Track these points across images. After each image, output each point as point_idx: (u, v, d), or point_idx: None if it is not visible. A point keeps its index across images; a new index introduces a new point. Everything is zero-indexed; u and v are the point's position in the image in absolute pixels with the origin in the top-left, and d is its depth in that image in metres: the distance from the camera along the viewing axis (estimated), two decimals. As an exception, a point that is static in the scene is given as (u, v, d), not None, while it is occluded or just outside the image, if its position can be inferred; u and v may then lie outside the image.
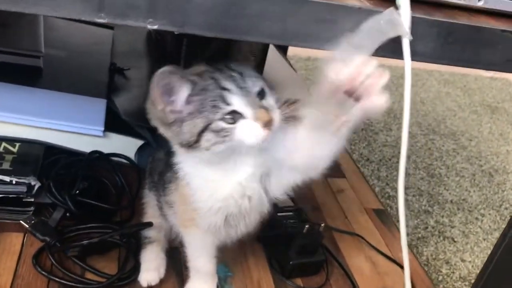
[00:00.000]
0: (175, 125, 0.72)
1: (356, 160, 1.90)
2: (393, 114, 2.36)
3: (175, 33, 0.53)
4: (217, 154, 0.73)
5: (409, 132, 2.29)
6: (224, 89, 0.70)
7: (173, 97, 0.71)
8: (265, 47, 1.39)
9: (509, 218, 1.01)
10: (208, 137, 0.71)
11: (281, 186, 0.82)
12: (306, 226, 0.99)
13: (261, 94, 0.73)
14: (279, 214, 1.06)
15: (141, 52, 1.47)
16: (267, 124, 0.70)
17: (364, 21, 0.55)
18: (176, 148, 0.79)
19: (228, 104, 0.70)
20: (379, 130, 2.19)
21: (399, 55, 0.57)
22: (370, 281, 1.07)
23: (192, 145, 0.72)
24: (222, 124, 0.70)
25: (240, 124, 0.70)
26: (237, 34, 0.54)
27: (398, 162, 2.13)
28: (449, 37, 0.58)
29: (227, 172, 0.78)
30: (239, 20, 0.53)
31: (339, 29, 0.56)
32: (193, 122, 0.71)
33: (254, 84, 0.72)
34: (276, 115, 0.72)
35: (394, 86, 2.88)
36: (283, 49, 2.09)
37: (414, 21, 0.57)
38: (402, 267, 1.12)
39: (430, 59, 0.59)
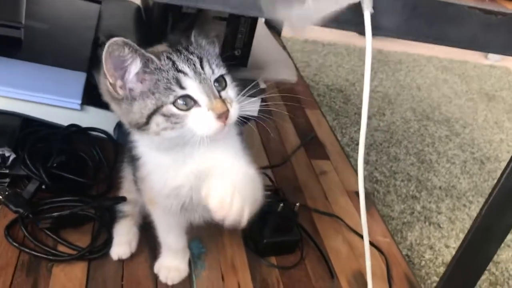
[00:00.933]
0: (125, 103, 0.70)
1: (346, 144, 1.89)
2: (387, 99, 2.34)
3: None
4: (167, 140, 0.71)
5: (403, 118, 2.27)
6: (180, 71, 0.68)
7: (123, 72, 0.68)
8: (253, 24, 1.37)
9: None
10: (157, 120, 0.68)
11: None
12: (281, 204, 0.98)
13: (220, 84, 0.71)
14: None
15: (128, 27, 1.45)
16: (222, 116, 0.68)
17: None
18: (126, 126, 0.76)
19: (182, 87, 0.68)
20: (372, 114, 2.18)
21: (360, 28, 0.56)
22: (346, 263, 1.06)
23: (141, 126, 0.70)
24: (173, 110, 0.67)
25: (193, 112, 0.68)
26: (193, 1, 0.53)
27: (388, 147, 2.13)
28: (414, 11, 0.57)
29: (177, 162, 0.75)
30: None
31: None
32: (144, 102, 0.68)
33: (213, 72, 0.70)
34: (234, 109, 0.70)
35: (390, 71, 2.86)
36: (276, 31, 2.07)
37: (378, -7, 0.55)
38: (380, 250, 1.12)
39: (394, 34, 0.58)
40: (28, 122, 1.08)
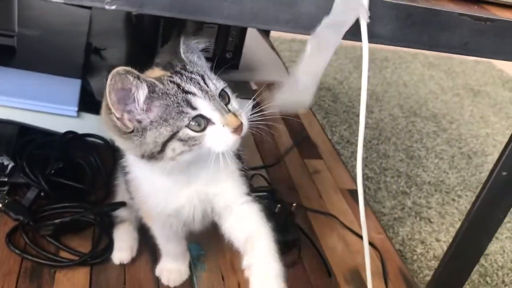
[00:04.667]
0: (136, 135, 0.66)
1: (336, 142, 1.92)
2: (375, 96, 2.37)
3: (133, 13, 0.54)
4: (182, 163, 0.69)
5: (391, 115, 2.29)
6: (188, 92, 0.67)
7: (130, 102, 0.65)
8: (244, 28, 1.39)
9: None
10: (174, 146, 0.66)
11: None
12: (278, 206, 1.01)
13: (224, 97, 0.70)
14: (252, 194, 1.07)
15: (119, 32, 1.46)
16: (237, 129, 0.67)
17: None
18: (132, 157, 0.75)
19: (194, 108, 0.66)
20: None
21: (357, 37, 0.58)
22: (342, 260, 1.09)
23: (155, 156, 0.68)
24: (190, 132, 0.66)
25: (209, 131, 0.67)
26: (196, 15, 0.55)
27: (377, 144, 2.15)
28: (408, 20, 0.59)
29: (179, 183, 0.75)
30: (197, 1, 0.54)
31: (299, 11, 0.57)
32: (157, 131, 0.66)
33: (216, 86, 0.70)
34: (245, 120, 0.70)
35: (377, 69, 2.89)
36: (265, 31, 2.08)
37: (373, 3, 0.57)
38: (374, 246, 1.14)
39: (388, 41, 0.60)
40: (25, 130, 1.09)
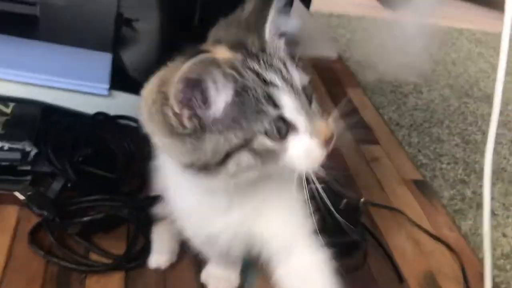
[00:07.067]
0: (192, 138, 0.51)
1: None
2: (422, 75, 2.21)
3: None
4: (242, 182, 0.53)
5: (441, 95, 2.10)
6: (270, 84, 0.50)
7: (200, 96, 0.49)
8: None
9: None
10: (241, 159, 0.50)
11: None
12: (344, 201, 0.86)
13: (308, 96, 0.52)
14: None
15: (152, 1, 1.33)
16: (328, 142, 0.51)
17: None
18: (170, 162, 0.58)
19: (276, 106, 0.49)
20: (409, 92, 2.04)
21: None
22: (414, 263, 0.94)
23: (210, 168, 0.51)
24: (267, 142, 0.49)
25: (293, 141, 0.51)
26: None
27: (430, 127, 1.98)
28: None
29: (217, 207, 0.59)
30: None
31: None
32: (223, 135, 0.50)
33: (301, 78, 0.52)
34: (335, 128, 0.53)
35: (422, 46, 2.69)
36: (306, 5, 1.94)
37: None
38: (447, 245, 1.00)
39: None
40: (49, 111, 0.98)
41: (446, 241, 1.00)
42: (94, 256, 0.81)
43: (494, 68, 2.73)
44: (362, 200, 0.88)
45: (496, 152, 1.81)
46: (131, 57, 1.08)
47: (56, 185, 0.88)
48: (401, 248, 0.97)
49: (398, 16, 2.80)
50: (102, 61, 1.02)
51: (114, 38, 1.09)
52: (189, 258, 0.84)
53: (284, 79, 0.51)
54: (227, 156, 0.50)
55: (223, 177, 0.52)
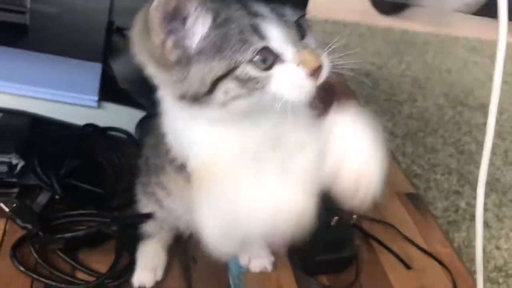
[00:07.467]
0: (178, 67, 0.52)
1: (379, 134, 1.76)
2: (417, 83, 2.20)
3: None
4: (235, 112, 0.54)
5: (436, 104, 2.08)
6: (256, 15, 0.51)
7: (181, 25, 0.51)
8: None
9: None
10: (227, 87, 0.51)
11: None
12: (335, 218, 0.85)
13: (299, 30, 0.53)
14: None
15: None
16: (316, 72, 0.51)
17: None
18: (167, 98, 0.58)
19: (261, 37, 0.50)
20: (404, 100, 2.03)
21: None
22: (405, 279, 0.93)
23: (200, 98, 0.52)
24: (252, 71, 0.50)
25: (278, 71, 0.51)
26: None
27: (424, 136, 1.97)
28: None
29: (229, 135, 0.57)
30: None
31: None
32: (208, 64, 0.51)
33: (293, 13, 0.53)
34: (326, 62, 0.53)
35: (417, 53, 2.70)
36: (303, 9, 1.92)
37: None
38: (440, 262, 0.99)
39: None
40: (37, 122, 0.96)
41: (438, 258, 0.99)
42: (79, 273, 0.79)
43: (490, 77, 2.72)
44: (354, 216, 0.87)
45: (490, 162, 1.81)
46: (121, 67, 1.07)
47: (42, 199, 0.85)
48: (392, 264, 0.95)
49: (393, 23, 2.80)
50: (92, 72, 1.01)
51: (104, 47, 1.08)
52: (176, 277, 0.82)
53: (273, 11, 0.52)
54: (214, 85, 0.51)
55: (214, 107, 0.53)
